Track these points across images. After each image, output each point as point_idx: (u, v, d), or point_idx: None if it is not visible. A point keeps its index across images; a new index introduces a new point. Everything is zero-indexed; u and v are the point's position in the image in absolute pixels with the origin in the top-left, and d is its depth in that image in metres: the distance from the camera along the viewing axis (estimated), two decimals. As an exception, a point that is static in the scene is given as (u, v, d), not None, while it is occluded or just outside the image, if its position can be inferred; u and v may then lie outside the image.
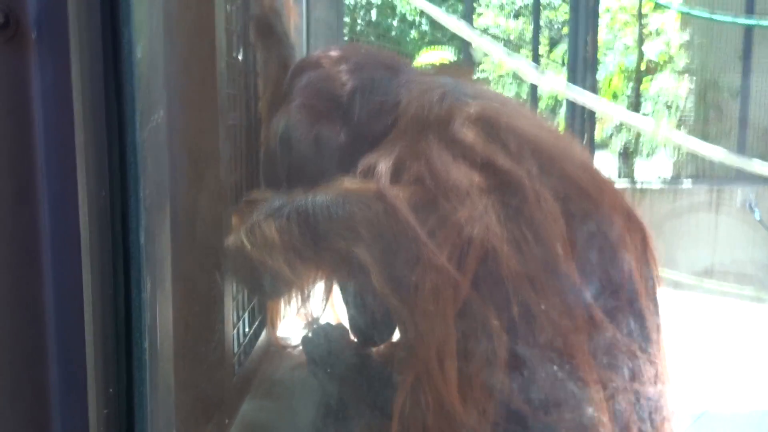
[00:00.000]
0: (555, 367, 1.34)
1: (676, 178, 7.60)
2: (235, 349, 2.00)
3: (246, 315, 2.16)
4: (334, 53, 1.90)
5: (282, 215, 1.52)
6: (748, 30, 6.77)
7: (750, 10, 6.74)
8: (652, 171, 8.25)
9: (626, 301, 1.46)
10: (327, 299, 2.12)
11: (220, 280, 1.68)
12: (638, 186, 6.96)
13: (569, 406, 1.35)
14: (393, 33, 7.13)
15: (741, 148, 6.84)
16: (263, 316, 2.37)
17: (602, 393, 1.36)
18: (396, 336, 1.84)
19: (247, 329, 2.20)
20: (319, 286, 1.93)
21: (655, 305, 1.53)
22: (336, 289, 1.95)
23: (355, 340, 1.98)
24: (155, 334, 1.00)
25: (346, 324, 2.03)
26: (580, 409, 1.35)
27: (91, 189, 0.91)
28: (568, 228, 1.42)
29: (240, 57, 2.15)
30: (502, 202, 1.42)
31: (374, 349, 1.96)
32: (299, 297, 1.78)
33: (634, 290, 1.47)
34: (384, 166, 1.50)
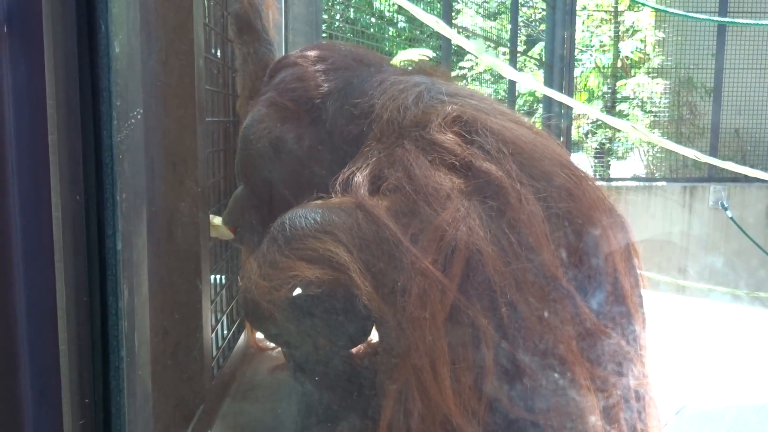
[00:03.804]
0: (545, 367, 1.34)
1: (650, 177, 7.71)
2: (214, 353, 1.96)
3: (224, 318, 2.13)
4: (311, 52, 1.87)
5: (261, 245, 1.52)
6: (721, 28, 6.89)
7: (723, 9, 6.86)
8: (626, 170, 8.36)
9: (612, 299, 1.46)
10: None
11: (199, 284, 1.64)
12: (613, 185, 7.04)
13: (560, 404, 1.34)
14: (371, 30, 7.11)
15: (713, 147, 6.96)
16: (242, 318, 2.33)
17: (593, 390, 1.36)
18: (373, 336, 1.82)
19: (225, 332, 2.16)
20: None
21: (640, 301, 1.53)
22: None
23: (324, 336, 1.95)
24: (132, 342, 0.96)
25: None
26: (571, 406, 1.35)
27: (65, 192, 0.88)
28: (551, 227, 1.41)
29: (218, 54, 2.11)
30: (484, 204, 1.40)
31: (354, 351, 1.93)
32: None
33: (619, 287, 1.47)
34: (361, 177, 1.48)
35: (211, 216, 1.88)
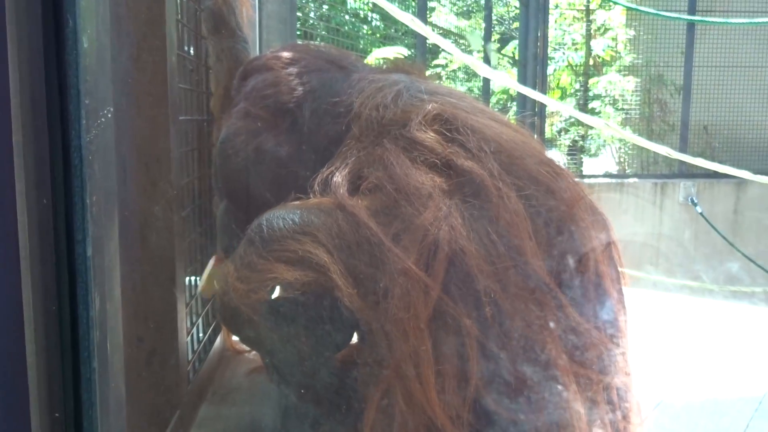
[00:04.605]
0: (529, 366, 1.33)
1: (621, 174, 7.80)
2: (190, 357, 1.91)
3: (200, 321, 2.08)
4: (283, 54, 1.83)
5: (239, 245, 1.48)
6: (691, 26, 6.99)
7: (692, 7, 6.96)
8: (598, 167, 8.46)
9: (594, 296, 1.45)
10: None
11: (174, 289, 1.59)
12: (586, 181, 7.11)
13: (544, 403, 1.33)
14: (345, 28, 7.07)
15: (683, 143, 7.07)
16: (218, 321, 2.29)
17: (575, 385, 1.35)
18: (354, 339, 1.79)
19: (201, 335, 2.11)
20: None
21: (622, 299, 1.53)
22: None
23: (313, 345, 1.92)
24: (105, 352, 0.92)
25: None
26: (553, 401, 1.34)
27: (30, 196, 0.83)
28: (533, 225, 1.40)
29: (192, 51, 2.05)
30: (466, 203, 1.39)
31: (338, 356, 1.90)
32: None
33: (601, 284, 1.47)
34: (340, 177, 1.45)
35: (206, 272, 1.83)
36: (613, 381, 1.44)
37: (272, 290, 1.73)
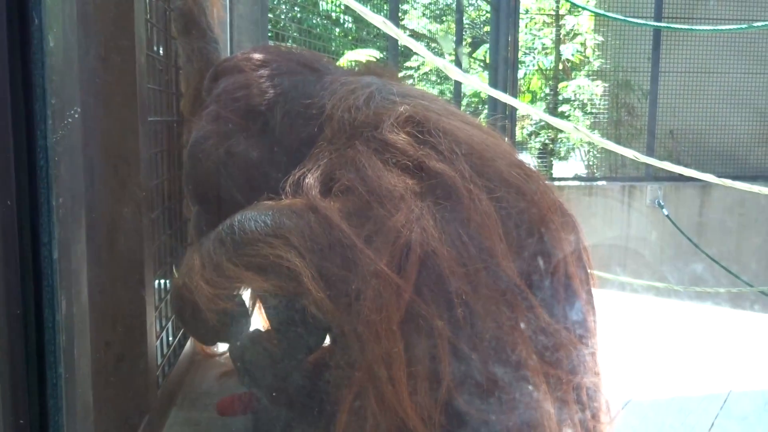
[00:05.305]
0: (500, 367, 1.34)
1: (590, 177, 7.93)
2: (159, 361, 1.88)
3: (170, 324, 2.05)
4: (254, 56, 1.81)
5: (207, 240, 1.46)
6: (657, 33, 7.14)
7: (659, 14, 7.11)
8: (568, 170, 8.58)
9: (564, 297, 1.47)
10: (253, 307, 2.04)
11: (143, 292, 1.56)
12: (555, 184, 7.20)
13: (514, 404, 1.35)
14: (317, 30, 7.05)
15: (650, 147, 7.21)
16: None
17: (545, 385, 1.37)
18: (326, 342, 1.79)
19: (171, 338, 2.08)
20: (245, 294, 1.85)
21: (591, 300, 1.55)
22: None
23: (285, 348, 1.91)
24: (72, 357, 0.90)
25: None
26: (524, 401, 1.35)
27: (-7, 197, 0.81)
28: (504, 227, 1.41)
29: (161, 51, 2.02)
30: (438, 205, 1.39)
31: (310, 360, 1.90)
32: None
33: (571, 286, 1.49)
34: (312, 179, 1.44)
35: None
36: (582, 381, 1.46)
37: (239, 297, 1.71)
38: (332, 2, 7.29)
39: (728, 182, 3.44)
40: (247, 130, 1.69)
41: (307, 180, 1.45)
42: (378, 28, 3.04)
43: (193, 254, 1.48)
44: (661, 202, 6.95)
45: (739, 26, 6.35)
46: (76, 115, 0.95)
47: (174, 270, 1.49)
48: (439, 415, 1.31)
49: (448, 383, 1.30)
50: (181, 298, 1.51)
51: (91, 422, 0.99)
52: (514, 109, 6.66)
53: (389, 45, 6.77)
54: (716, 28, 6.73)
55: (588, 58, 8.93)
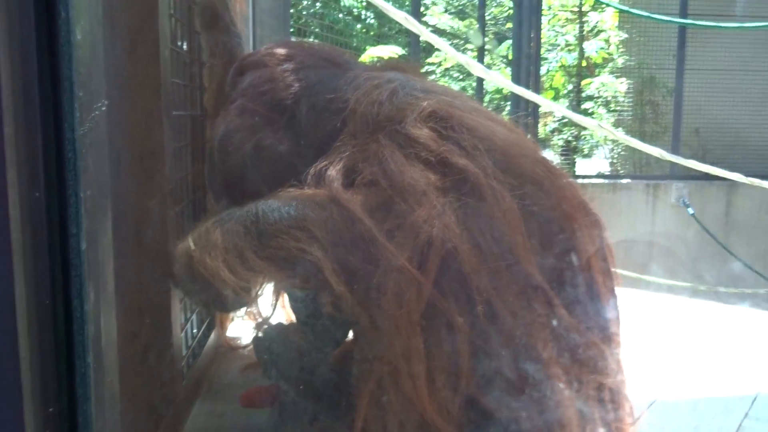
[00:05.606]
0: (520, 365, 1.33)
1: (614, 174, 7.84)
2: (184, 353, 1.90)
3: (194, 316, 2.07)
4: (278, 51, 1.82)
5: (229, 219, 1.45)
6: (682, 30, 7.02)
7: (684, 11, 6.99)
8: (591, 167, 8.50)
9: (587, 297, 1.46)
10: (276, 300, 2.05)
11: (169, 283, 1.58)
12: (579, 182, 7.13)
13: (535, 402, 1.34)
14: (339, 25, 7.06)
15: (675, 145, 7.10)
16: (212, 316, 2.28)
17: (568, 385, 1.35)
18: (350, 336, 1.79)
19: (195, 330, 2.10)
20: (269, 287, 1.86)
21: (615, 299, 1.54)
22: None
23: (312, 341, 1.92)
24: (99, 347, 0.91)
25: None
26: (546, 404, 1.34)
27: (23, 189, 0.82)
28: (527, 224, 1.40)
29: (184, 46, 2.04)
30: (460, 201, 1.38)
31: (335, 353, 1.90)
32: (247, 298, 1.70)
33: (594, 285, 1.47)
34: (335, 171, 1.44)
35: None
36: (606, 381, 1.44)
37: (261, 289, 1.72)
38: (354, -3, 7.29)
39: (756, 181, 3.37)
40: (274, 123, 1.70)
41: (329, 172, 1.45)
42: (400, 24, 3.03)
43: (214, 230, 1.46)
44: (686, 201, 6.84)
45: (766, 23, 6.22)
46: (103, 108, 0.96)
47: (190, 240, 1.45)
48: (458, 410, 1.30)
49: (467, 379, 1.30)
50: (192, 270, 1.48)
51: (118, 411, 1.00)
52: (536, 106, 6.60)
53: (411, 41, 6.75)
54: (743, 25, 6.59)
55: (612, 55, 8.83)
